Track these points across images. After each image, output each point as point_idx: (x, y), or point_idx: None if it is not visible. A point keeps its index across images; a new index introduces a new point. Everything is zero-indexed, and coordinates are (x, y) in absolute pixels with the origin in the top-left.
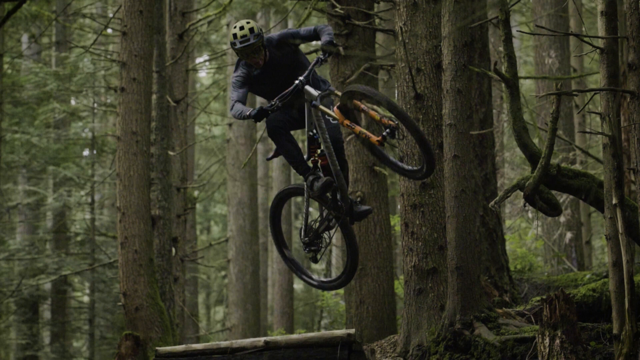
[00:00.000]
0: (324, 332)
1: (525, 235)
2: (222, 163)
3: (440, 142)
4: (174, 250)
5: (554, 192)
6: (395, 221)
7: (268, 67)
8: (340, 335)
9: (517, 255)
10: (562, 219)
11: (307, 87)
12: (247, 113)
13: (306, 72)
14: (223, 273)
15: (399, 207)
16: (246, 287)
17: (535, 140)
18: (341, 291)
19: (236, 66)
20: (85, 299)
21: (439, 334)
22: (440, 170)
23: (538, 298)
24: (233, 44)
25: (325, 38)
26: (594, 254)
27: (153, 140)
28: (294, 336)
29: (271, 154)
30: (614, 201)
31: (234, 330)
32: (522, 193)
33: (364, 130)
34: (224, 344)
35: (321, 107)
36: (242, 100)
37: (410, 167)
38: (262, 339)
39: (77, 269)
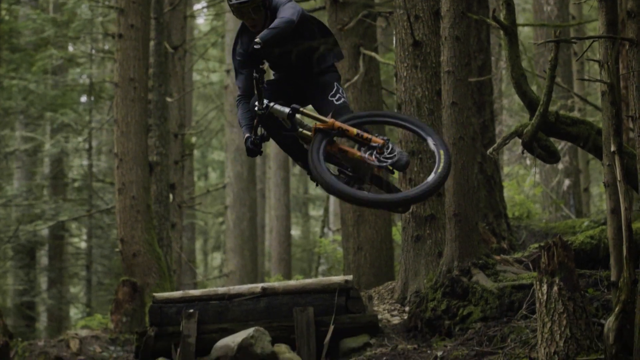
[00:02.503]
0: (321, 279)
1: (523, 182)
2: (219, 109)
3: (439, 89)
4: (171, 196)
5: (552, 139)
6: None
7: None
8: (337, 281)
9: (515, 202)
10: (560, 166)
11: (276, 106)
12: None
13: (257, 97)
14: (220, 219)
15: None
16: (244, 234)
17: (534, 88)
18: (339, 237)
19: (236, 35)
20: (83, 245)
21: (437, 281)
22: (438, 117)
23: (536, 245)
24: (229, 0)
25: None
26: (592, 201)
27: (151, 86)
28: (292, 282)
29: None
30: (613, 148)
31: (231, 276)
32: (520, 140)
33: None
34: (221, 290)
35: (301, 114)
36: (246, 90)
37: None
38: (260, 285)
39: (74, 215)
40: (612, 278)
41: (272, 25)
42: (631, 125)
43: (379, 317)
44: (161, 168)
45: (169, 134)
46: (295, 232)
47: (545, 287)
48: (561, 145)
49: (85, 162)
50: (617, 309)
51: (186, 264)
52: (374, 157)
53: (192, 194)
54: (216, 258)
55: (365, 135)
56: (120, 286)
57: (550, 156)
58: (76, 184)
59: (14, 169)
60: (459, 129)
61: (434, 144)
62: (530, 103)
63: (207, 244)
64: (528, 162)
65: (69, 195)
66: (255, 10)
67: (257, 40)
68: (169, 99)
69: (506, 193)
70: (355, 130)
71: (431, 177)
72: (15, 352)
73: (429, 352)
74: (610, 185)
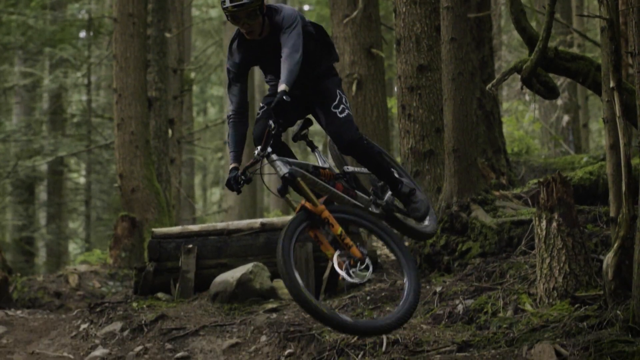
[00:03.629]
0: None
1: (522, 118)
2: (218, 45)
3: (438, 25)
4: (170, 132)
5: (551, 75)
6: (392, 103)
7: (265, 45)
8: None
9: (514, 137)
10: (559, 101)
11: (277, 162)
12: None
13: (263, 143)
14: (219, 155)
15: (395, 89)
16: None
17: (533, 24)
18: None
19: (230, 43)
20: (82, 180)
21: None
22: (437, 53)
23: (535, 181)
24: (222, 3)
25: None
26: (591, 137)
27: (150, 22)
28: (291, 217)
29: None
30: (612, 84)
31: (230, 212)
32: (519, 76)
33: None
34: (220, 225)
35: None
36: (240, 106)
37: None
38: (259, 220)
39: (73, 150)
40: (611, 214)
41: (288, 69)
42: (630, 61)
43: (378, 252)
44: (160, 103)
45: (167, 70)
46: None
47: (544, 223)
48: (560, 81)
49: (84, 98)
50: (616, 244)
51: (185, 199)
52: (344, 266)
53: (191, 129)
54: (215, 193)
55: (347, 240)
56: (119, 221)
57: (549, 92)
58: (75, 120)
59: (13, 104)
60: (457, 64)
61: (407, 282)
62: (529, 39)
63: (206, 179)
64: (527, 97)
65: (68, 130)
66: (252, 16)
67: (284, 89)
68: (168, 35)
69: (505, 129)
70: (339, 230)
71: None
72: (14, 287)
73: (427, 287)
74: (610, 121)
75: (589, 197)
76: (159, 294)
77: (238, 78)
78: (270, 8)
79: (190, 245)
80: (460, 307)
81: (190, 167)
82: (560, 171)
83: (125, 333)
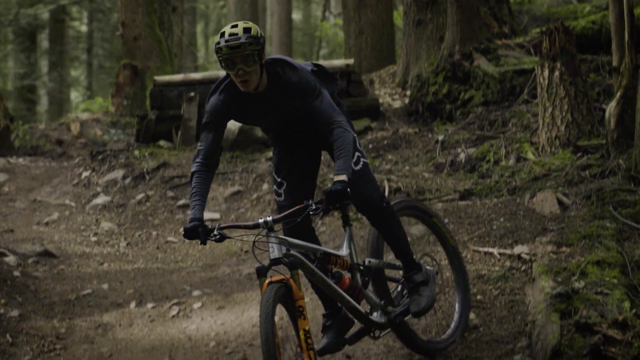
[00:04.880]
0: (322, 62)
1: None
2: None
3: None
4: None
5: None
6: None
7: (262, 102)
8: (339, 65)
9: None
10: None
11: (274, 240)
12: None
13: (281, 215)
14: (222, 3)
15: None
16: (244, 17)
17: None
18: (340, 22)
19: (214, 88)
20: (84, 28)
21: (438, 65)
22: None
23: (538, 30)
24: (217, 44)
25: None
26: None
27: None
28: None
29: None
30: None
31: None
32: None
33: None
34: (222, 73)
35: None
36: (209, 154)
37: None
38: None
39: None
40: (614, 63)
41: (346, 153)
42: None
43: (380, 100)
44: None
45: None
46: (297, 16)
47: (546, 72)
48: None
49: None
50: (618, 94)
51: (187, 48)
52: None
53: None
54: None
55: (309, 341)
56: (121, 69)
57: None
58: None
59: None
60: None
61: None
62: None
63: (208, 27)
64: None
65: None
66: (249, 60)
67: (344, 180)
68: None
69: None
70: (307, 326)
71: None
72: (15, 135)
73: (430, 136)
74: None
75: (592, 47)
76: (161, 142)
77: (216, 127)
78: (277, 61)
79: (192, 94)
80: (462, 156)
81: (192, 15)
82: (562, 20)
83: (127, 181)
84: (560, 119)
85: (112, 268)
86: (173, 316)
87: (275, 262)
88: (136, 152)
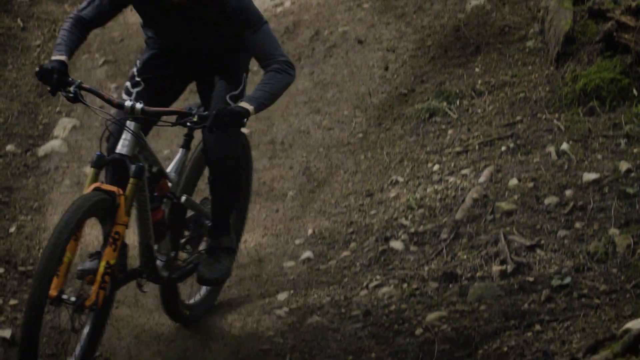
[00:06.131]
0: None
1: None
2: None
3: None
4: None
5: None
6: None
7: (178, 13)
8: None
9: None
10: None
11: (132, 134)
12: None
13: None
14: None
15: None
16: None
17: None
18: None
19: None
20: None
21: None
22: None
23: None
24: None
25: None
26: None
27: None
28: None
29: None
30: None
31: None
32: None
33: None
34: None
35: None
36: (92, 19)
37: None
38: None
39: None
40: None
41: (269, 90)
42: None
43: None
44: None
45: None
46: None
47: None
48: None
49: None
50: None
51: None
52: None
53: None
54: None
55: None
56: None
57: None
58: None
59: None
60: None
61: None
62: None
63: None
64: None
65: None
66: None
67: (248, 110)
68: None
69: None
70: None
71: None
72: None
73: None
74: None
75: None
76: None
77: (116, 4)
78: None
79: None
80: None
81: None
82: None
83: None
84: None
85: None
86: None
87: (119, 159)
88: None
